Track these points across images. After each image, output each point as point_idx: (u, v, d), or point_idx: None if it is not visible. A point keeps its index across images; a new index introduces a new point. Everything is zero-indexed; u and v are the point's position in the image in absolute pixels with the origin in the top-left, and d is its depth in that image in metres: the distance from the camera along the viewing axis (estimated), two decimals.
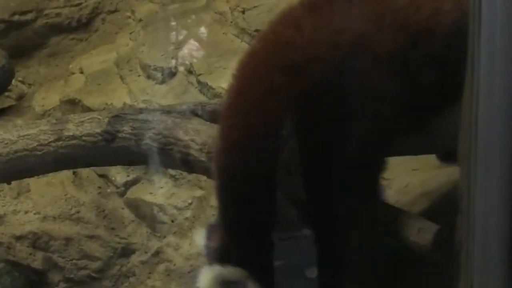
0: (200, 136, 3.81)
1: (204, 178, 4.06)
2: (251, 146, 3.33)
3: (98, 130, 4.08)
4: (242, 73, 3.43)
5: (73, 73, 5.30)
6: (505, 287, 2.20)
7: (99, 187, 4.74)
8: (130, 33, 5.36)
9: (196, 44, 4.93)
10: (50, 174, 4.53)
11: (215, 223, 3.52)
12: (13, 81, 5.26)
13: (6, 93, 5.30)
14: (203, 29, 4.99)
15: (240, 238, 3.45)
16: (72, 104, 4.96)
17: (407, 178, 3.34)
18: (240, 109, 3.37)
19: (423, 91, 3.21)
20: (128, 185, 4.68)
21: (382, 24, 3.24)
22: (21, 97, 5.35)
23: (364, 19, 3.27)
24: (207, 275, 3.44)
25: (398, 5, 3.26)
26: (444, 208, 3.28)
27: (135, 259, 4.55)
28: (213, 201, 3.87)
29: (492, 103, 2.07)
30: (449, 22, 3.18)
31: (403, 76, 3.21)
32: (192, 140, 3.83)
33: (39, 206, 4.72)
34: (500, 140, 2.07)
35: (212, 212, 4.20)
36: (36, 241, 4.65)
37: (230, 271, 3.40)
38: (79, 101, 4.97)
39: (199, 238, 3.52)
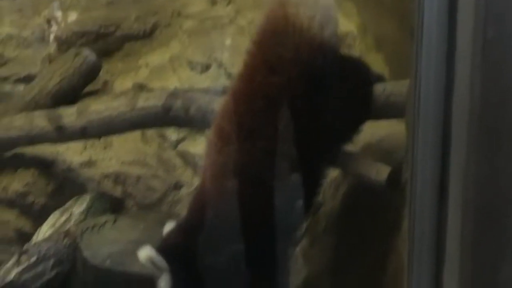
0: None
1: None
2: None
3: (159, 104, 4.07)
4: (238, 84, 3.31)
5: (140, 67, 5.24)
6: (435, 211, 2.14)
7: (159, 143, 4.71)
8: (179, 40, 5.31)
9: (224, 47, 4.89)
10: (127, 133, 4.54)
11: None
12: (100, 72, 5.19)
13: (95, 80, 5.23)
14: (228, 38, 4.94)
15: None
16: (141, 87, 4.91)
17: (368, 138, 3.29)
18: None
19: None
20: (179, 141, 4.64)
21: None
22: (106, 83, 5.28)
23: None
24: (144, 251, 3.21)
25: None
26: (395, 157, 3.24)
27: (183, 191, 4.51)
28: None
29: (428, 86, 2.01)
30: None
31: None
32: None
33: (119, 155, 4.68)
34: (432, 110, 2.01)
35: None
36: (117, 178, 4.62)
37: (158, 258, 3.17)
38: (145, 85, 4.92)
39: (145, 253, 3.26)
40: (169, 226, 3.34)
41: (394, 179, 3.01)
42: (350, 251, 3.38)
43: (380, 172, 3.06)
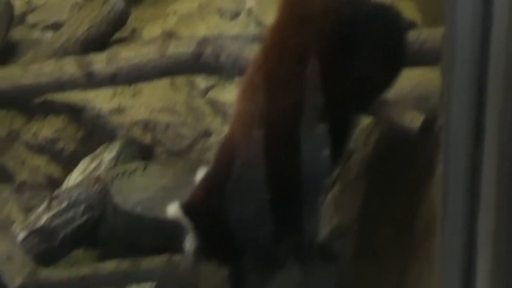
0: None
1: None
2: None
3: (189, 51, 4.09)
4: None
5: (169, 14, 5.22)
6: (470, 157, 2.13)
7: (188, 90, 4.72)
8: None
9: None
10: (156, 80, 4.56)
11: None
12: (129, 20, 5.19)
13: (124, 28, 5.23)
14: None
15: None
16: (169, 35, 4.90)
17: (401, 85, 3.28)
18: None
19: None
20: (208, 89, 4.65)
21: None
22: (134, 30, 5.28)
23: None
24: (172, 208, 3.27)
25: None
26: (429, 105, 3.25)
27: (212, 139, 4.53)
28: None
29: (464, 30, 1.98)
30: None
31: None
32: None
33: (148, 102, 4.69)
34: (468, 54, 1.99)
35: None
36: (146, 125, 4.64)
37: (184, 218, 3.24)
38: (174, 33, 4.91)
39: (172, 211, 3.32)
40: (201, 173, 3.37)
41: (428, 126, 3.01)
42: (382, 198, 3.39)
43: (413, 120, 3.06)
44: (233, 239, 3.18)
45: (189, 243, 3.27)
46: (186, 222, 3.24)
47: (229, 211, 3.17)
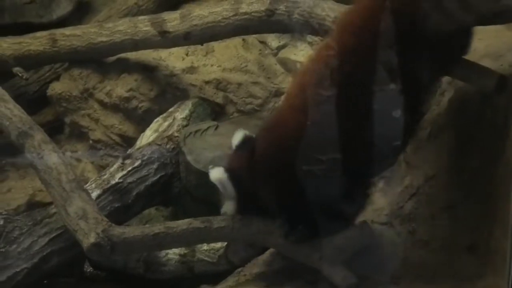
0: (333, 12, 3.81)
1: None
2: None
3: (263, 8, 4.14)
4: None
5: None
6: None
7: (260, 50, 4.76)
8: None
9: None
10: (228, 39, 4.59)
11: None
12: None
13: None
14: None
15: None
16: None
17: (475, 44, 3.25)
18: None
19: None
20: (279, 48, 4.70)
21: None
22: None
23: None
24: (218, 170, 3.35)
25: None
26: (502, 64, 3.23)
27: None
28: None
29: None
30: None
31: None
32: (327, 15, 3.83)
33: (220, 61, 4.76)
34: None
35: None
36: (218, 84, 4.70)
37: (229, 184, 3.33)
38: None
39: (236, 138, 3.41)
40: (237, 137, 3.41)
41: (503, 84, 3.00)
42: (454, 157, 3.38)
43: (488, 77, 3.06)
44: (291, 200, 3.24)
45: (224, 209, 3.37)
46: (230, 188, 3.37)
47: (296, 169, 3.20)
